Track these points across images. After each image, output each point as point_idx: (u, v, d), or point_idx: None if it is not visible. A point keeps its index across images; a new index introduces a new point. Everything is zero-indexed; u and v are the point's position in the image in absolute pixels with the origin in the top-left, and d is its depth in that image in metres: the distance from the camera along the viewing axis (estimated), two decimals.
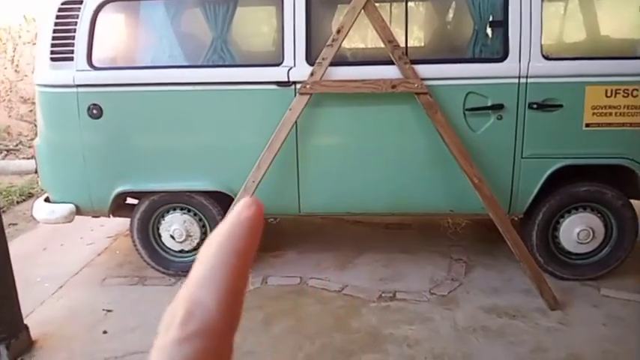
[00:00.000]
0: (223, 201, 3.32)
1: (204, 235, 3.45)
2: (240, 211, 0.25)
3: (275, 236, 4.03)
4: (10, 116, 7.12)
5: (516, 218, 3.46)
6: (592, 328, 2.84)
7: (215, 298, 0.22)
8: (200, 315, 0.22)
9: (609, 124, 3.02)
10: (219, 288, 0.23)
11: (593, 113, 3.02)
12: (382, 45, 3.00)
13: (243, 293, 0.23)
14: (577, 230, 3.22)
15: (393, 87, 2.98)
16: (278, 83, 3.12)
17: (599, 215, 3.23)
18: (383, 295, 3.20)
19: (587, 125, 3.04)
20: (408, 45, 3.11)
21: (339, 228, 4.16)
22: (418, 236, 4.03)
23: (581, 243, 3.24)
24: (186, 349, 0.21)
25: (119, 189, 3.32)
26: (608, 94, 2.99)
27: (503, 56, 3.03)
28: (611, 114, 3.01)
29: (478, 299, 3.14)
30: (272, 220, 4.01)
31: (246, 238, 0.24)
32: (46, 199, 3.43)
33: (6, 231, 2.76)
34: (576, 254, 3.29)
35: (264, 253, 3.69)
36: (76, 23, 3.18)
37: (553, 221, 3.26)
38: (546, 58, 3.01)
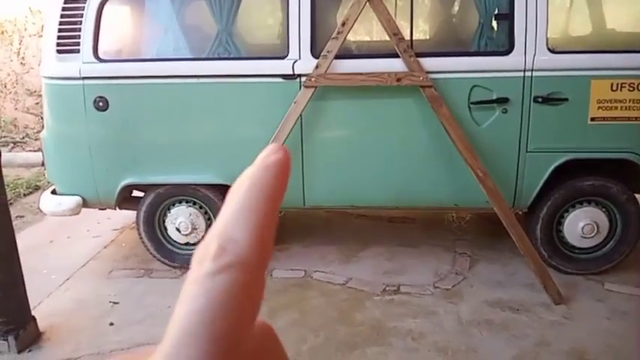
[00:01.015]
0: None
1: (209, 228, 3.45)
2: (267, 155, 0.25)
3: (280, 229, 4.03)
4: (16, 109, 7.14)
5: (520, 212, 3.46)
6: (596, 322, 2.85)
7: (246, 235, 0.23)
8: (233, 249, 0.23)
9: (614, 118, 3.01)
10: (250, 226, 0.23)
11: (599, 107, 3.01)
12: (387, 38, 3.00)
13: (273, 232, 0.24)
14: (581, 224, 3.22)
15: (398, 80, 2.98)
16: (283, 76, 3.12)
17: (603, 210, 3.23)
18: (387, 288, 3.21)
19: (593, 119, 3.03)
20: (413, 38, 3.11)
21: (343, 221, 4.17)
22: (422, 230, 4.03)
23: (585, 237, 3.24)
24: (221, 280, 0.22)
25: (125, 181, 3.33)
26: (614, 88, 2.98)
27: (508, 49, 3.02)
28: (616, 108, 3.00)
29: (482, 293, 3.15)
30: None
31: (274, 182, 0.24)
32: (53, 192, 3.45)
33: (13, 223, 2.78)
34: (580, 248, 3.29)
35: None
36: (82, 15, 3.19)
37: (557, 215, 3.26)
38: (552, 51, 3.00)
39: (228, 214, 0.24)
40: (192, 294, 0.22)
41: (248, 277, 0.23)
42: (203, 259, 0.23)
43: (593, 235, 3.23)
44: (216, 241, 0.23)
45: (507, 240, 3.13)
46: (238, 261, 0.23)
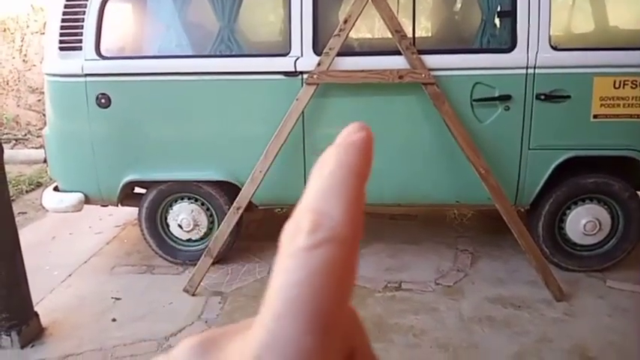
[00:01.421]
0: (230, 191, 3.34)
1: (211, 225, 3.47)
2: (351, 133, 0.26)
3: (282, 226, 4.03)
4: (18, 106, 7.15)
5: (522, 209, 3.46)
6: (597, 319, 2.85)
7: (341, 210, 0.23)
8: (328, 224, 0.22)
9: (617, 116, 3.01)
10: (343, 201, 0.23)
11: (601, 104, 3.00)
12: (389, 35, 3.00)
13: (363, 208, 0.23)
14: (583, 222, 3.22)
15: (400, 77, 2.98)
16: (285, 73, 3.12)
17: (605, 207, 3.23)
18: (388, 285, 3.22)
19: (595, 116, 3.02)
20: (416, 35, 3.11)
21: None
22: (424, 227, 4.03)
23: (587, 234, 3.24)
24: (319, 255, 0.22)
25: (127, 178, 3.34)
26: (617, 85, 2.97)
27: (511, 47, 3.02)
28: (619, 105, 3.00)
29: (483, 290, 3.15)
30: (278, 210, 4.02)
31: (361, 159, 0.25)
32: (55, 188, 3.46)
33: (16, 220, 2.79)
34: (582, 246, 3.29)
35: (270, 243, 3.69)
36: (84, 12, 3.19)
37: (559, 212, 3.26)
38: (554, 48, 2.99)
39: (318, 190, 0.24)
40: (290, 267, 0.22)
41: (344, 253, 0.22)
42: (296, 234, 0.23)
43: (595, 232, 3.23)
44: (310, 216, 0.23)
45: (509, 237, 3.13)
46: (334, 236, 0.22)
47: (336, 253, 0.22)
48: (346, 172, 0.24)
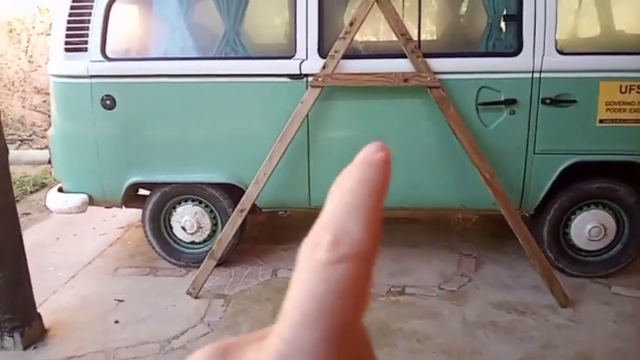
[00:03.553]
0: (234, 193, 3.33)
1: (214, 227, 3.47)
2: (371, 153, 0.26)
3: (285, 229, 4.04)
4: (23, 106, 7.18)
5: (527, 214, 3.44)
6: (602, 325, 2.83)
7: (360, 228, 0.24)
8: (348, 241, 0.23)
9: (623, 121, 2.99)
10: (362, 219, 0.24)
11: (607, 109, 2.99)
12: (395, 38, 2.99)
13: (381, 226, 0.24)
14: (588, 227, 3.20)
15: (405, 80, 2.97)
16: (290, 76, 3.12)
17: (610, 212, 3.21)
18: (392, 289, 3.21)
19: (601, 121, 3.01)
20: (421, 38, 3.10)
21: None
22: (428, 231, 4.02)
23: (592, 240, 3.22)
24: (339, 270, 0.23)
25: (132, 180, 3.34)
26: (623, 90, 2.96)
27: (516, 50, 3.01)
28: (625, 110, 2.98)
29: (487, 295, 3.14)
30: (282, 212, 4.01)
31: (380, 178, 0.25)
32: (60, 189, 3.47)
33: (20, 220, 2.79)
34: (587, 251, 3.27)
35: (274, 246, 3.70)
36: (90, 14, 3.20)
37: (564, 218, 3.24)
38: (560, 52, 2.98)
39: (338, 207, 0.25)
40: (310, 281, 0.23)
41: (362, 269, 0.23)
42: (316, 250, 0.24)
43: (600, 237, 3.21)
44: (330, 233, 0.24)
45: (513, 242, 3.11)
46: (353, 252, 0.23)
47: (354, 269, 0.23)
48: (366, 190, 0.25)
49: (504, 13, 3.08)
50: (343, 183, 0.26)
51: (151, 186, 3.48)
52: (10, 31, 7.09)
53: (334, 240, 0.23)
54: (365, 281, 0.24)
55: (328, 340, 0.22)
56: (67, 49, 3.23)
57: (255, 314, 3.00)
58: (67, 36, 3.22)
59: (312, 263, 0.23)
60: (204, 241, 3.50)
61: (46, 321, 2.85)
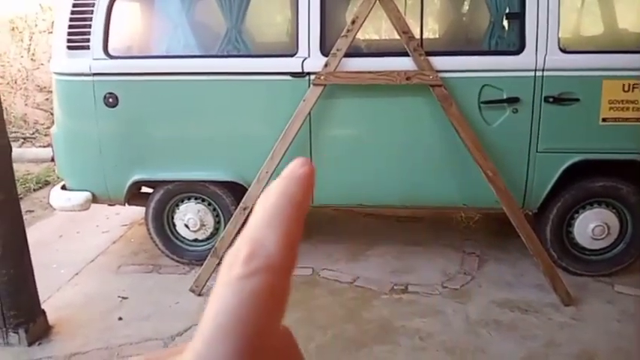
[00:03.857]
0: (237, 191, 3.34)
1: (217, 225, 3.47)
2: (294, 168, 0.27)
3: None
4: (26, 104, 7.19)
5: (530, 213, 3.44)
6: (605, 324, 2.83)
7: (276, 240, 0.24)
8: (263, 254, 0.24)
9: (626, 119, 2.98)
10: (279, 232, 0.24)
11: (610, 108, 2.98)
12: (397, 36, 2.99)
13: (299, 238, 0.25)
14: (592, 226, 3.19)
15: (408, 79, 2.97)
16: (292, 74, 3.12)
17: (614, 211, 3.20)
18: (395, 287, 3.21)
19: (604, 120, 3.00)
20: (423, 36, 3.10)
21: (351, 220, 4.17)
22: (430, 229, 4.02)
23: (595, 239, 3.21)
24: (250, 283, 0.23)
25: (135, 177, 3.35)
26: (626, 89, 2.95)
27: (519, 49, 3.00)
28: (628, 109, 2.97)
29: (490, 293, 3.14)
30: None
31: (301, 192, 0.26)
32: (63, 187, 3.48)
33: (23, 218, 2.80)
34: (590, 250, 3.27)
35: None
36: (92, 12, 3.20)
37: (567, 216, 3.24)
38: (563, 51, 2.97)
39: (258, 221, 0.25)
40: (223, 295, 0.24)
41: (276, 280, 0.24)
42: (234, 263, 0.24)
43: (603, 236, 3.20)
44: (247, 246, 0.24)
45: (516, 240, 3.11)
46: (267, 265, 0.24)
47: (268, 280, 0.23)
48: (287, 204, 0.26)
49: (507, 11, 3.07)
50: (266, 197, 0.26)
51: (153, 184, 3.49)
52: (13, 29, 7.10)
53: (250, 253, 0.24)
54: (281, 291, 0.24)
55: (241, 352, 0.22)
56: (69, 47, 3.24)
57: None
58: (70, 34, 3.23)
59: (227, 277, 0.24)
60: (207, 238, 3.50)
61: (50, 318, 2.87)
